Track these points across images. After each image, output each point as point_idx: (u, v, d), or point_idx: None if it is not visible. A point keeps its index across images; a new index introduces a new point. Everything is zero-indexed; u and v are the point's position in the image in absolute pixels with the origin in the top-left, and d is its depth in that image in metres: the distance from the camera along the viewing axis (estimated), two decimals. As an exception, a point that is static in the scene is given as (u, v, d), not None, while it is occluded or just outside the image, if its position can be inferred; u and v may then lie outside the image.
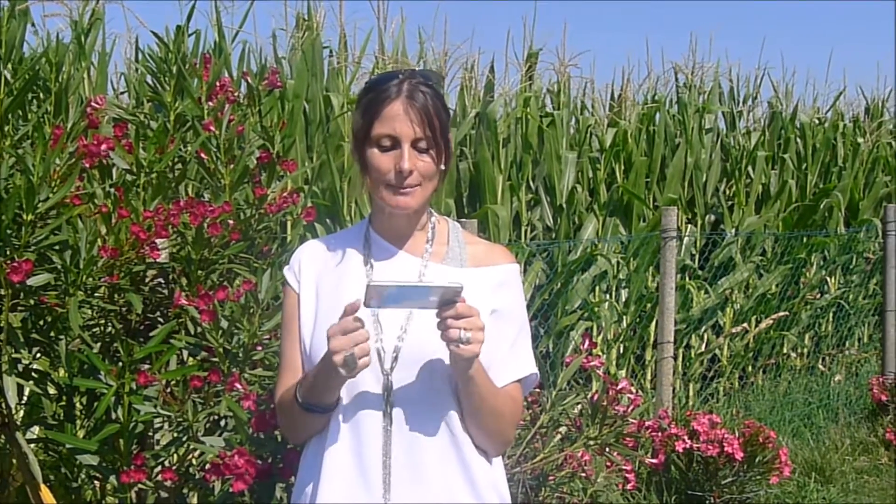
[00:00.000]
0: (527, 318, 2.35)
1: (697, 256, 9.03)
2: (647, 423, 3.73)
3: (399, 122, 2.19)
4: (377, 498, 2.16)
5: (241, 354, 2.74)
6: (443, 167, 2.26)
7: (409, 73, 2.26)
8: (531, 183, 8.47)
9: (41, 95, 3.28)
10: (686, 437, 5.60)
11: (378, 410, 2.18)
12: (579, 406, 3.62)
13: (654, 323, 7.77)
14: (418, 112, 2.19)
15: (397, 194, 2.21)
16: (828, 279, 9.98)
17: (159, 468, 2.71)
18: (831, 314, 9.92)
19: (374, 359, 2.14)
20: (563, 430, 3.62)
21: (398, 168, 2.18)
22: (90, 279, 2.66)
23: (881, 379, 8.24)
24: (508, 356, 2.26)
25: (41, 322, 2.74)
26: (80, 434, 2.90)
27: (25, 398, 2.92)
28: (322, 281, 2.31)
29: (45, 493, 2.75)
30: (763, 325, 8.33)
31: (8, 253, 2.60)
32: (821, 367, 9.40)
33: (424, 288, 2.03)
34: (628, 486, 3.93)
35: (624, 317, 8.09)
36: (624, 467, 3.82)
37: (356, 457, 2.18)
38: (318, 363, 2.15)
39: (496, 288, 2.27)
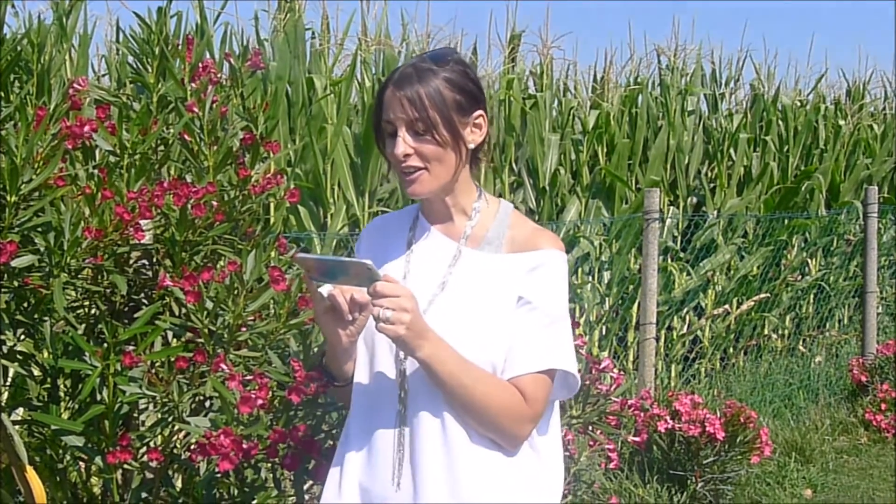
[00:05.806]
0: (563, 309, 2.22)
1: (679, 238, 9.06)
2: (629, 402, 3.75)
3: (392, 107, 2.19)
4: (388, 484, 2.17)
5: (226, 335, 2.73)
6: (470, 146, 2.23)
7: (415, 58, 2.28)
8: (514, 165, 8.48)
9: (23, 77, 3.26)
10: (668, 418, 5.64)
11: (393, 397, 2.19)
12: (562, 386, 3.63)
13: (636, 304, 7.80)
14: (407, 95, 2.18)
15: (406, 181, 2.22)
16: (809, 261, 10.04)
17: (145, 449, 2.70)
18: (812, 296, 9.97)
19: (390, 345, 2.17)
20: (546, 409, 3.63)
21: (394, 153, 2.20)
22: (74, 260, 2.65)
23: (861, 360, 8.31)
24: (524, 347, 2.15)
25: (25, 304, 2.73)
26: (65, 415, 2.89)
27: (10, 380, 2.91)
28: (375, 256, 2.26)
29: (31, 475, 2.75)
30: (744, 307, 8.38)
31: (-8, 235, 2.59)
32: (801, 348, 9.45)
33: (340, 262, 2.05)
34: (611, 465, 3.94)
35: (606, 298, 8.12)
36: (607, 446, 3.84)
37: (371, 442, 2.21)
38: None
39: (527, 274, 2.18)
